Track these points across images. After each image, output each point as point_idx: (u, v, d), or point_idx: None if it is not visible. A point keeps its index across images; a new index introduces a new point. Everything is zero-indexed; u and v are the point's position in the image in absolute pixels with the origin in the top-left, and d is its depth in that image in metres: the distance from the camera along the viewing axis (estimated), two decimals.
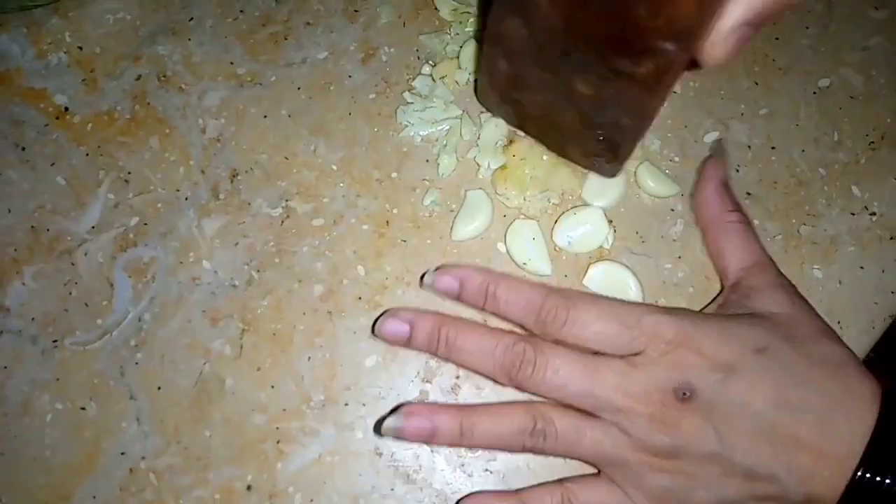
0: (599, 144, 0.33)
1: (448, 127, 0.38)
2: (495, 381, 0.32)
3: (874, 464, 0.28)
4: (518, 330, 0.33)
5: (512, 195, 0.37)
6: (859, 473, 0.28)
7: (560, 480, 0.32)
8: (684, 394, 0.29)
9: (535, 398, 0.32)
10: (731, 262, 0.35)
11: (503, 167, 0.37)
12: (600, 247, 0.37)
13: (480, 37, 0.39)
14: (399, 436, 0.31)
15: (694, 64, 0.26)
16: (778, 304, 0.32)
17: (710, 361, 0.30)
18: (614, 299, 0.32)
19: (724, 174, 0.36)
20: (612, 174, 0.36)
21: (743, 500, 0.30)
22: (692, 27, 0.24)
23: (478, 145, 0.38)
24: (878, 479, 0.28)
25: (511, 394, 0.32)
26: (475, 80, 0.38)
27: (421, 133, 0.39)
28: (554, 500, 0.31)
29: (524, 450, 0.31)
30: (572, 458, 0.32)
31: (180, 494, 0.33)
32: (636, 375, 0.30)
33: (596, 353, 0.31)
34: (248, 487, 0.33)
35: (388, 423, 0.31)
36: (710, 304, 0.36)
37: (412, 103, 0.39)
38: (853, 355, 0.31)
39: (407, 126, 0.39)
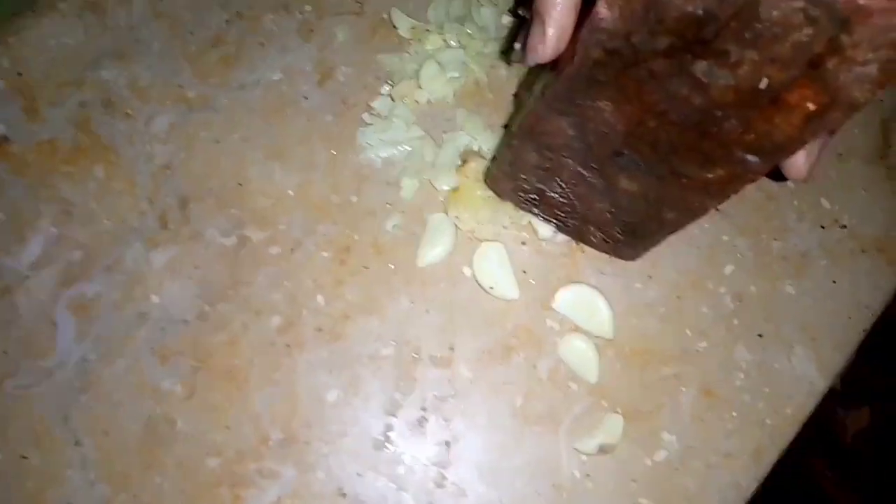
0: (625, 233, 0.32)
1: (409, 149, 0.37)
2: None
3: None
4: None
5: (465, 217, 0.36)
6: None
7: None
8: None
9: None
10: None
11: (455, 189, 0.36)
12: None
13: (507, 125, 0.38)
14: None
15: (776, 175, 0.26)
16: None
17: None
18: None
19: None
20: (631, 258, 0.35)
21: None
22: (786, 145, 0.23)
23: (434, 166, 0.37)
24: None
25: (486, 411, 0.31)
26: (488, 165, 0.36)
27: (381, 155, 0.37)
28: None
29: None
30: None
31: None
32: None
33: None
34: None
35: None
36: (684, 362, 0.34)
37: (371, 124, 0.38)
38: None
39: (367, 147, 0.37)
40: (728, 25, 0.21)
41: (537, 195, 0.33)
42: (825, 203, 0.38)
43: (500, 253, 0.35)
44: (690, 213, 0.29)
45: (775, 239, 0.37)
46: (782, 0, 0.20)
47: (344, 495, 0.32)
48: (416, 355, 0.34)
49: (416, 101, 0.38)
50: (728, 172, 0.25)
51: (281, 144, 0.37)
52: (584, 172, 0.29)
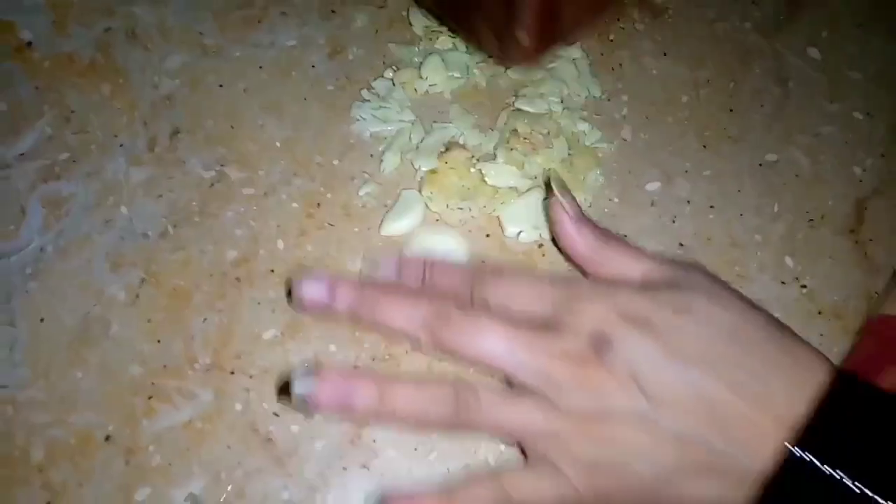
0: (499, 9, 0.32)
1: (398, 129, 0.39)
2: (415, 347, 0.31)
3: (812, 443, 0.25)
4: None
5: (437, 199, 0.37)
6: (795, 450, 0.25)
7: (491, 472, 0.29)
8: (605, 353, 0.28)
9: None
10: (633, 276, 0.31)
11: (433, 171, 0.37)
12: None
13: None
14: (309, 404, 0.28)
15: None
16: (696, 283, 0.30)
17: (627, 315, 0.28)
18: (541, 272, 0.33)
19: (574, 209, 0.32)
20: (520, 60, 0.34)
21: (683, 469, 0.27)
22: None
23: (418, 148, 0.38)
24: (814, 461, 0.25)
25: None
26: None
27: (371, 129, 0.39)
28: (488, 495, 0.28)
29: (447, 424, 0.29)
30: (498, 433, 0.30)
31: (34, 431, 0.31)
32: (558, 340, 0.28)
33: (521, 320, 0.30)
34: (107, 438, 0.31)
35: (297, 386, 0.28)
36: None
37: (368, 101, 0.40)
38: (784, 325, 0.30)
39: (359, 121, 0.39)
40: None
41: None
42: (789, 262, 0.39)
43: (459, 240, 0.36)
44: None
45: (733, 284, 0.37)
46: None
47: (256, 431, 0.32)
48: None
49: (415, 90, 0.40)
50: None
51: (279, 100, 0.39)
52: None
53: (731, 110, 0.43)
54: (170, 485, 0.30)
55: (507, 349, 0.29)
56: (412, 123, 0.39)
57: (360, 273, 0.32)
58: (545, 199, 0.37)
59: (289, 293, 0.34)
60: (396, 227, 0.36)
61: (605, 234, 0.33)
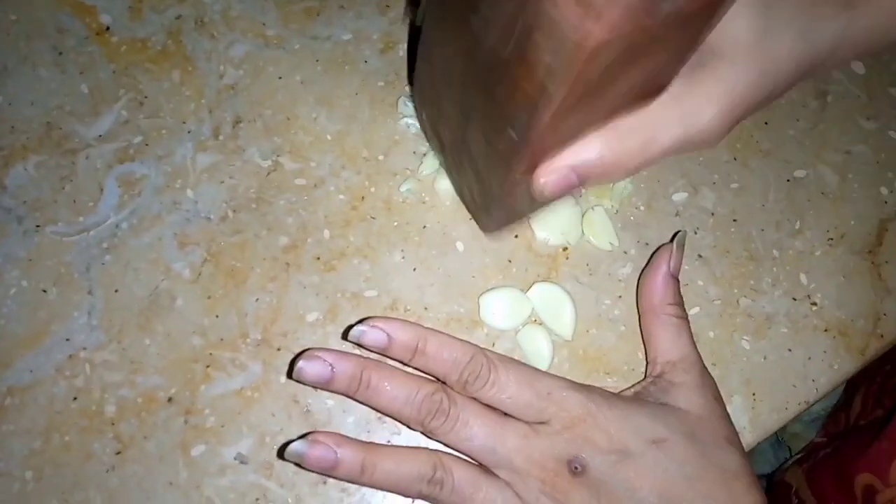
0: (479, 194, 0.35)
1: None
2: (406, 425, 0.33)
3: None
4: (432, 378, 0.34)
5: None
6: None
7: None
8: (577, 468, 0.31)
9: (442, 449, 0.34)
10: (659, 352, 0.36)
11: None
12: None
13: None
14: (300, 462, 0.31)
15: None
16: (692, 404, 0.34)
17: (607, 442, 0.32)
18: (535, 369, 0.34)
19: (676, 266, 0.37)
20: (487, 228, 0.38)
21: None
22: (526, 126, 0.25)
23: None
24: None
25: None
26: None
27: (416, 126, 0.41)
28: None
29: (420, 496, 0.32)
30: None
31: (107, 389, 0.35)
32: (537, 442, 0.32)
33: (507, 415, 0.33)
34: (169, 399, 0.36)
35: (292, 447, 0.31)
36: (629, 387, 0.37)
37: (411, 96, 0.42)
38: (748, 466, 0.33)
39: (405, 118, 0.42)
40: None
41: (436, 136, 0.36)
42: (803, 278, 0.41)
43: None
44: (500, 187, 0.31)
45: (745, 296, 0.40)
46: None
47: (297, 402, 0.36)
48: (393, 305, 0.38)
49: None
50: (506, 146, 0.27)
51: (332, 94, 0.42)
52: (451, 111, 0.31)
53: (766, 123, 0.44)
54: (221, 444, 0.35)
55: (488, 444, 0.32)
56: None
57: (349, 336, 0.33)
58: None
59: (290, 367, 0.36)
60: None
61: (680, 307, 0.37)
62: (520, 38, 0.22)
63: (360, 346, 0.33)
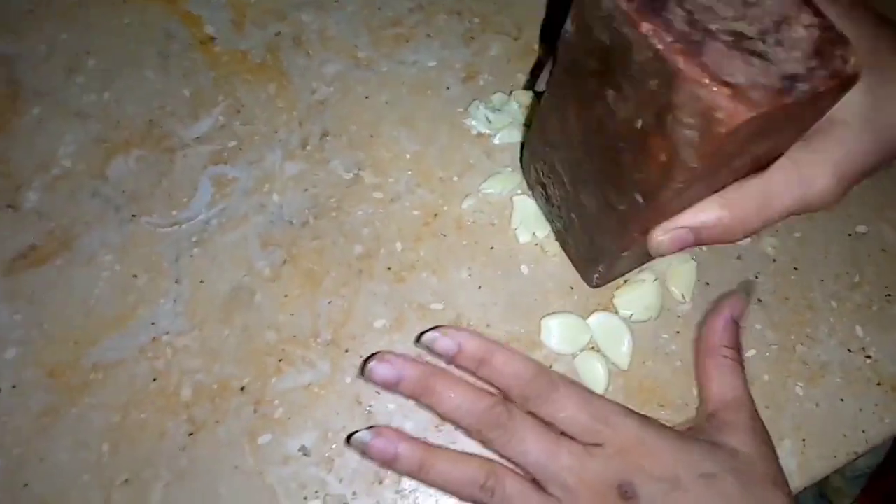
0: (585, 251, 0.37)
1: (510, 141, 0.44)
2: (466, 434, 0.35)
3: None
4: (494, 391, 0.35)
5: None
6: None
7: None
8: (627, 493, 0.32)
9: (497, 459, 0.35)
10: (712, 392, 0.37)
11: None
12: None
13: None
14: (363, 450, 0.34)
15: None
16: (742, 444, 0.35)
17: (658, 471, 0.33)
18: (594, 393, 0.36)
19: (740, 312, 0.39)
20: (590, 282, 0.40)
21: None
22: (655, 192, 0.28)
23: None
24: None
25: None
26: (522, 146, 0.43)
27: (479, 129, 0.44)
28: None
29: (471, 500, 0.34)
30: None
31: (185, 372, 0.38)
32: (590, 463, 0.33)
33: (563, 433, 0.34)
34: (242, 388, 0.37)
35: (358, 435, 0.34)
36: (682, 423, 0.38)
37: (484, 102, 0.45)
38: None
39: (470, 118, 0.44)
40: (620, 60, 0.25)
41: (542, 188, 0.38)
42: (859, 331, 0.41)
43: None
44: (615, 245, 0.33)
45: (801, 343, 0.41)
46: (644, 47, 0.24)
47: (360, 402, 0.38)
48: (457, 319, 0.40)
49: (529, 111, 0.45)
50: (629, 208, 0.30)
51: (414, 116, 0.44)
52: (564, 176, 0.34)
53: None
54: (287, 435, 0.37)
55: (542, 461, 0.33)
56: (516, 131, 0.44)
57: (420, 342, 0.35)
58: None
59: (362, 368, 0.38)
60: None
61: (737, 350, 0.38)
62: (661, 112, 0.25)
63: (430, 351, 0.35)
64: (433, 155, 0.44)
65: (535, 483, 0.34)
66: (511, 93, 0.45)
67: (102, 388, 0.37)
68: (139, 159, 0.42)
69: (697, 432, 0.36)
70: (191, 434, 0.36)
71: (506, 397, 0.35)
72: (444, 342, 0.34)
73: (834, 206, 0.31)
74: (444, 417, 0.35)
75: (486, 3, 0.49)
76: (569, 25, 0.28)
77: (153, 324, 0.38)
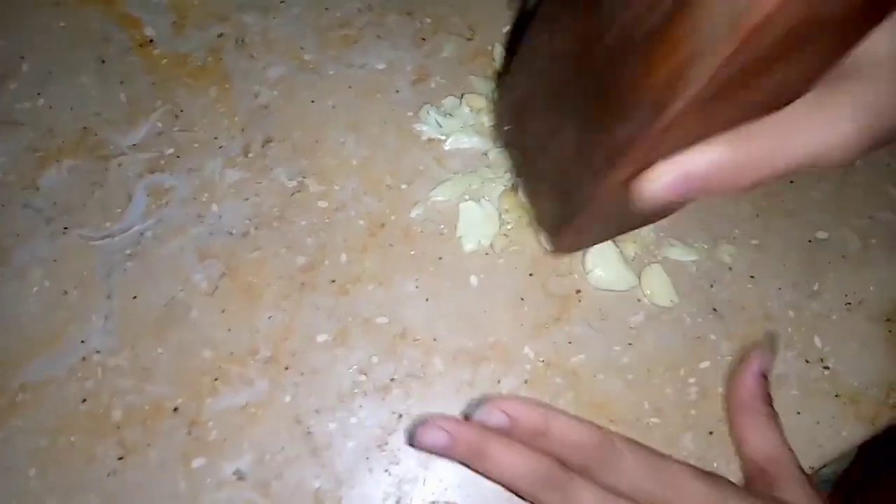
0: (556, 205, 0.34)
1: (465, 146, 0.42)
2: (519, 497, 0.32)
3: None
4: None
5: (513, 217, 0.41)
6: None
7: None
8: None
9: None
10: (757, 450, 0.36)
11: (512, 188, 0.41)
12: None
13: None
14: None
15: None
16: (797, 496, 0.34)
17: None
18: (661, 455, 0.33)
19: (768, 366, 0.38)
20: (556, 247, 0.38)
21: None
22: (658, 108, 0.23)
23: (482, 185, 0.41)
24: None
25: None
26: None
27: (430, 135, 0.43)
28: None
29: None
30: None
31: (116, 394, 0.36)
32: None
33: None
34: (175, 409, 0.36)
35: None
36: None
37: (434, 107, 0.43)
38: None
39: (421, 123, 0.43)
40: None
41: (516, 133, 0.37)
42: (817, 341, 0.40)
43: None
44: (595, 194, 0.29)
45: None
46: None
47: (299, 422, 0.36)
48: (402, 333, 0.38)
49: (481, 116, 0.43)
50: (618, 141, 0.25)
51: (362, 121, 0.43)
52: (546, 111, 0.31)
53: (792, 182, 0.44)
54: (222, 458, 0.35)
55: None
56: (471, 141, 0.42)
57: (473, 417, 0.32)
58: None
59: (410, 434, 0.36)
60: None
61: (770, 404, 0.37)
62: (669, 11, 0.21)
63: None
64: (381, 161, 0.42)
65: None
66: (463, 96, 0.44)
67: (30, 409, 0.36)
68: (72, 169, 0.40)
69: (752, 490, 0.35)
70: (120, 458, 0.35)
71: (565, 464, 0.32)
72: (496, 417, 0.31)
73: (849, 164, 0.26)
74: (497, 481, 0.32)
75: (439, 3, 0.47)
76: None
77: (83, 342, 0.37)
